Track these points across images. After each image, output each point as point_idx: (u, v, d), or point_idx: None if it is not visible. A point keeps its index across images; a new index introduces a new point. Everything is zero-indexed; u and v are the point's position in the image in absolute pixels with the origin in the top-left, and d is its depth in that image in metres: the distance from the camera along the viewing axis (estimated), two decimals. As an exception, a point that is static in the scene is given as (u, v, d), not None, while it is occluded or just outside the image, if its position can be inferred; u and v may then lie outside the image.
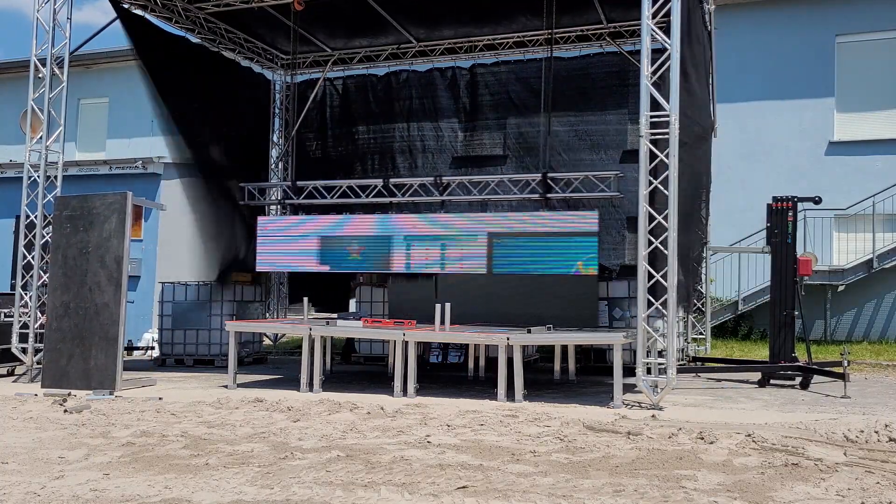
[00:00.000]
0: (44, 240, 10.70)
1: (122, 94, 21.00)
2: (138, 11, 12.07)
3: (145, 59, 12.09)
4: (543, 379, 10.93)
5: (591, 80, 13.44)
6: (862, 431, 6.41)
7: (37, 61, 10.85)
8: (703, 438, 6.26)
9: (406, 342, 9.12)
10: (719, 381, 10.84)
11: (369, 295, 13.19)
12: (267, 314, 14.56)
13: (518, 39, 13.69)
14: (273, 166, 15.27)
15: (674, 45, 8.37)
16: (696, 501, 4.64)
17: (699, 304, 13.10)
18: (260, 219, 12.75)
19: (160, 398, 8.72)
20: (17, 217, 13.57)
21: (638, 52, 9.50)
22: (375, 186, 12.46)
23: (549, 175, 11.43)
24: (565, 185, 11.42)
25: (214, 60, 13.75)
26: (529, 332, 9.23)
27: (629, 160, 12.49)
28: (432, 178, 12.30)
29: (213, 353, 12.65)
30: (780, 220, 10.32)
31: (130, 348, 14.38)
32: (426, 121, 14.59)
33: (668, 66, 8.38)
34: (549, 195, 11.37)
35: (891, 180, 16.01)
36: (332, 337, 11.30)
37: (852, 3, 16.96)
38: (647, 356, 8.36)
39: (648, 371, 8.33)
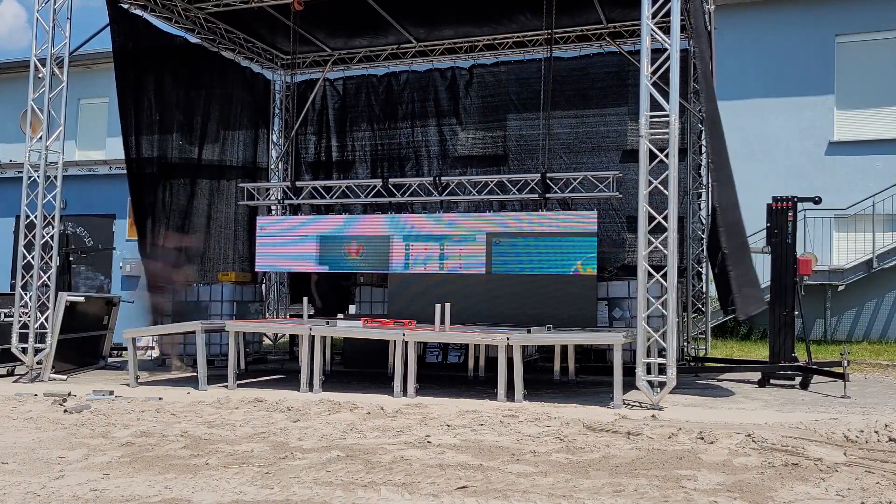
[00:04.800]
0: (44, 240, 10.70)
1: (122, 94, 20.96)
2: (138, 11, 12.09)
3: (137, 60, 12.14)
4: (543, 379, 10.93)
5: (590, 80, 13.44)
6: (862, 431, 6.41)
7: (37, 61, 10.85)
8: (703, 438, 6.26)
9: (406, 342, 9.12)
10: (719, 381, 10.84)
11: (369, 295, 13.19)
12: (267, 314, 14.57)
13: (518, 39, 13.68)
14: (273, 166, 15.28)
15: (674, 45, 8.37)
16: (696, 501, 4.64)
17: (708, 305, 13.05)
18: (259, 219, 12.76)
19: (160, 398, 8.73)
20: (17, 217, 13.59)
21: (638, 52, 9.50)
22: (375, 186, 12.45)
23: (549, 175, 11.43)
24: (565, 186, 11.42)
25: (213, 60, 13.77)
26: (529, 332, 9.23)
27: (629, 160, 12.50)
28: (432, 179, 12.31)
29: (212, 353, 12.62)
30: (780, 220, 10.31)
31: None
32: (426, 121, 14.60)
33: (668, 66, 8.38)
34: (548, 195, 11.36)
35: (891, 180, 16.01)
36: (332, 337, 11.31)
37: (852, 3, 16.96)
38: (647, 356, 8.36)
39: (648, 371, 8.33)
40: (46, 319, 10.54)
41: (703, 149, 12.83)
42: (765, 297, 10.32)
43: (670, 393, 8.32)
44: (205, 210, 13.60)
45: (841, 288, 15.90)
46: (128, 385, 9.87)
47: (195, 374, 9.97)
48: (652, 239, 8.39)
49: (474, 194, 12.15)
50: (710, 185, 9.19)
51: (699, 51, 10.30)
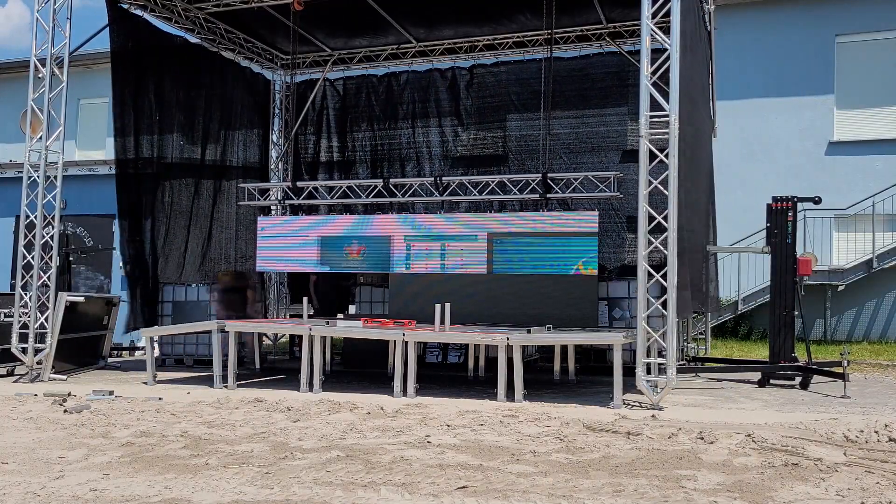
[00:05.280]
0: (44, 240, 10.70)
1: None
2: (138, 11, 12.09)
3: (138, 61, 12.16)
4: (543, 379, 10.93)
5: (590, 80, 13.45)
6: (862, 431, 6.41)
7: (37, 61, 10.85)
8: (703, 438, 6.26)
9: (406, 342, 9.12)
10: (719, 381, 10.84)
11: (369, 295, 13.19)
12: (267, 314, 14.57)
13: (518, 39, 13.69)
14: (273, 166, 15.28)
15: (674, 45, 8.37)
16: (696, 501, 4.64)
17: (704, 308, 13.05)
18: (260, 219, 12.76)
19: (160, 398, 8.73)
20: (17, 217, 13.58)
21: (638, 52, 9.50)
22: (375, 187, 12.45)
23: (549, 175, 11.43)
24: (565, 186, 11.42)
25: (213, 60, 13.77)
26: (529, 332, 9.23)
27: (629, 160, 12.50)
28: (432, 179, 12.31)
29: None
30: (780, 220, 10.31)
31: (132, 348, 14.40)
32: (426, 121, 14.60)
33: (668, 66, 8.38)
34: (549, 195, 11.37)
35: (891, 180, 16.01)
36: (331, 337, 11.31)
37: (852, 3, 16.96)
38: (647, 356, 8.36)
39: (648, 371, 8.33)
40: (46, 319, 10.54)
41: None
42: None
43: (670, 393, 8.32)
44: (204, 210, 13.59)
45: (841, 288, 15.90)
46: (146, 384, 9.91)
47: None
48: (652, 239, 8.39)
49: (475, 194, 12.15)
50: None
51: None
